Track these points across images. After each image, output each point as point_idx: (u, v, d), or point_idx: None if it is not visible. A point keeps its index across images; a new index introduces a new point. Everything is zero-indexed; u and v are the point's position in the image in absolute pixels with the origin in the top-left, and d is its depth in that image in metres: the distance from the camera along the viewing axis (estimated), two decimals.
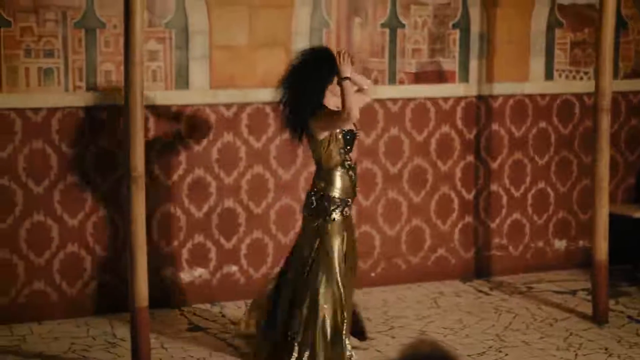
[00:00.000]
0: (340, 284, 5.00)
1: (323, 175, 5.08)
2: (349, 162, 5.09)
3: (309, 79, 5.00)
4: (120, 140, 5.82)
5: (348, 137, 5.09)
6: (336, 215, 5.02)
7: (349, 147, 5.10)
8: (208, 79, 6.23)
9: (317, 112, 5.00)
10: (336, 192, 5.04)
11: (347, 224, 5.09)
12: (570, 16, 7.16)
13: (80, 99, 5.95)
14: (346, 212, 5.07)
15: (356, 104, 4.95)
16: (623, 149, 7.46)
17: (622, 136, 7.44)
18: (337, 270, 5.01)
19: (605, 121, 6.00)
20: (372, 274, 6.77)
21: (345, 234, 5.06)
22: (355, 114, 4.89)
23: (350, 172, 5.10)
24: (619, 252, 6.64)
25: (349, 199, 5.09)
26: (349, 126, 5.06)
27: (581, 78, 7.24)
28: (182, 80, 6.18)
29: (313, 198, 5.07)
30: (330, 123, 4.99)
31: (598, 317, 6.11)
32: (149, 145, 6.08)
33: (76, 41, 5.91)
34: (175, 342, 5.69)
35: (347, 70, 4.92)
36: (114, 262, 6.13)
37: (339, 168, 5.07)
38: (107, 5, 5.94)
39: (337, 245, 5.03)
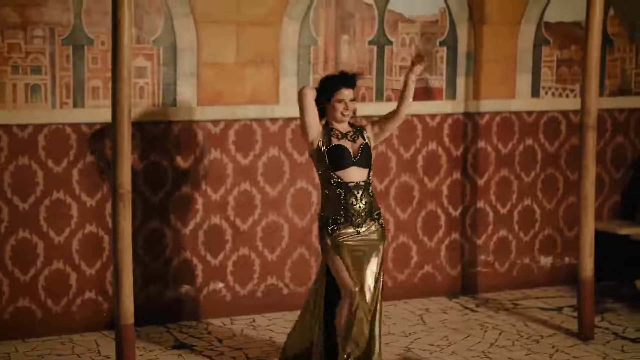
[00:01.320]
0: (320, 309, 5.12)
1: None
2: (338, 180, 5.00)
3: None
4: (108, 156, 5.81)
5: (333, 152, 5.02)
6: (326, 234, 5.02)
7: (337, 164, 5.00)
8: (195, 95, 6.24)
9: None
10: (325, 211, 5.04)
11: (346, 243, 5.01)
12: (556, 34, 7.20)
13: (68, 115, 5.94)
14: (334, 230, 5.00)
15: (306, 114, 5.00)
16: (609, 166, 7.49)
17: (608, 153, 7.47)
18: (322, 294, 5.11)
19: (591, 138, 6.03)
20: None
21: (342, 254, 5.00)
22: (307, 91, 4.99)
23: (340, 190, 5.00)
24: (605, 268, 6.66)
25: (340, 217, 5.00)
26: (336, 141, 5.02)
27: (567, 95, 7.28)
28: (170, 97, 6.18)
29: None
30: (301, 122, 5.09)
31: (584, 334, 6.12)
32: (136, 162, 6.09)
33: (64, 58, 5.91)
34: (161, 359, 5.68)
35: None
36: (100, 279, 6.11)
37: (327, 186, 5.04)
38: (95, 22, 5.95)
39: (329, 266, 5.05)
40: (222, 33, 6.27)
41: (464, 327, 6.35)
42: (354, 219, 4.99)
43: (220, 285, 6.45)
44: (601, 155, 7.25)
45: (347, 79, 5.07)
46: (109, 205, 5.81)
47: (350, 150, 5.03)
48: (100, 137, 5.99)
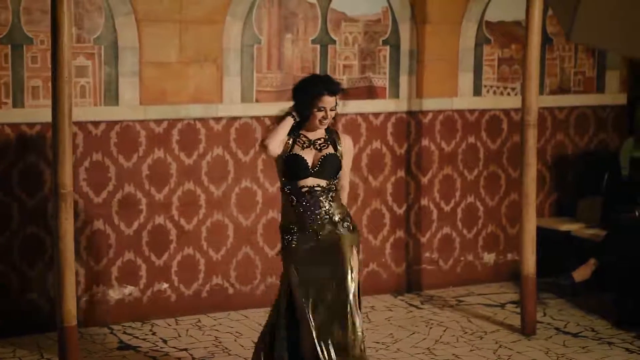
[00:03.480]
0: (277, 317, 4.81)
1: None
2: (291, 188, 4.72)
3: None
4: (48, 157, 5.74)
5: (289, 162, 4.73)
6: (281, 244, 4.82)
7: (292, 174, 4.72)
8: (138, 95, 6.19)
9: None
10: (283, 220, 4.83)
11: (299, 254, 4.74)
12: (497, 33, 7.29)
13: (7, 115, 5.86)
14: (289, 240, 4.74)
15: (276, 137, 4.64)
16: (550, 164, 7.60)
17: (549, 151, 7.58)
18: (282, 306, 4.81)
19: (532, 136, 6.11)
20: None
21: (295, 264, 4.73)
22: (269, 146, 4.62)
23: (291, 197, 4.72)
24: (547, 264, 6.75)
25: (295, 227, 4.73)
26: (298, 150, 4.74)
27: (508, 94, 7.37)
28: (112, 96, 6.13)
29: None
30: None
31: (526, 329, 6.20)
32: (78, 162, 6.02)
33: (2, 57, 5.82)
34: None
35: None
36: (42, 281, 6.03)
37: (282, 194, 4.82)
38: (34, 20, 5.87)
39: (285, 276, 4.81)
40: (165, 32, 6.23)
41: (409, 325, 6.40)
42: (307, 224, 4.71)
43: (165, 285, 6.41)
44: (542, 152, 7.35)
45: (330, 85, 4.72)
46: (50, 206, 5.74)
47: (309, 161, 4.73)
48: (41, 137, 5.92)
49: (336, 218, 4.74)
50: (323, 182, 4.72)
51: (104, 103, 6.11)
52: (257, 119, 6.57)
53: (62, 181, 4.98)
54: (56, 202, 5.02)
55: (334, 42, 6.76)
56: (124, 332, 6.12)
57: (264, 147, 4.66)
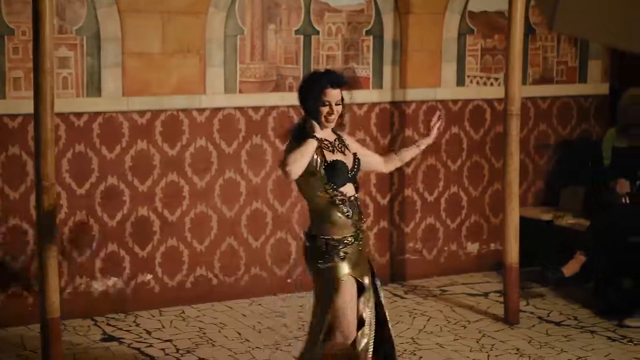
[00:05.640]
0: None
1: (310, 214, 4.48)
2: (340, 197, 4.35)
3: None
4: (31, 148, 5.71)
5: (335, 168, 4.32)
6: (332, 259, 4.35)
7: (335, 182, 4.33)
8: (121, 86, 6.17)
9: (290, 142, 4.36)
10: (324, 232, 4.37)
11: (353, 263, 4.38)
12: (480, 23, 7.30)
13: None
14: (344, 253, 4.36)
15: (300, 162, 4.19)
16: (532, 154, 7.63)
17: (532, 140, 7.61)
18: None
19: (514, 126, 6.13)
20: (289, 280, 6.79)
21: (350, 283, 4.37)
22: (291, 173, 4.17)
23: (343, 208, 4.35)
24: (530, 254, 6.78)
25: (347, 237, 4.37)
26: (331, 155, 4.34)
27: (491, 84, 7.39)
28: (94, 87, 6.10)
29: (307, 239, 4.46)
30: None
31: (509, 319, 6.23)
32: (61, 153, 6.00)
33: None
34: (88, 353, 5.61)
35: (317, 129, 4.28)
36: (25, 273, 6.01)
37: (319, 204, 4.37)
38: (15, 11, 5.83)
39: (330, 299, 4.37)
40: (147, 22, 6.21)
41: (393, 314, 6.39)
42: (359, 234, 4.41)
43: (149, 276, 6.40)
44: (525, 142, 7.38)
45: (333, 77, 4.35)
46: (33, 198, 5.72)
47: (348, 165, 4.39)
48: (23, 128, 5.89)
49: (361, 236, 4.46)
50: (353, 187, 4.41)
51: (86, 94, 6.09)
52: (241, 109, 6.56)
53: (45, 173, 4.96)
54: (39, 194, 5.00)
55: (318, 32, 6.75)
56: (108, 324, 6.11)
57: (285, 173, 4.20)
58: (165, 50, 6.28)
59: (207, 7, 6.35)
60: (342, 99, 4.35)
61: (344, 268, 4.33)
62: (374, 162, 4.67)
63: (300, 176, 4.24)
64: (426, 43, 7.09)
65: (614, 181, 6.48)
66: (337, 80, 4.35)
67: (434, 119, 4.65)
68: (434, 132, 4.64)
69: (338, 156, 4.36)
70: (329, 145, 4.36)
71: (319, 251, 4.35)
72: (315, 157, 4.27)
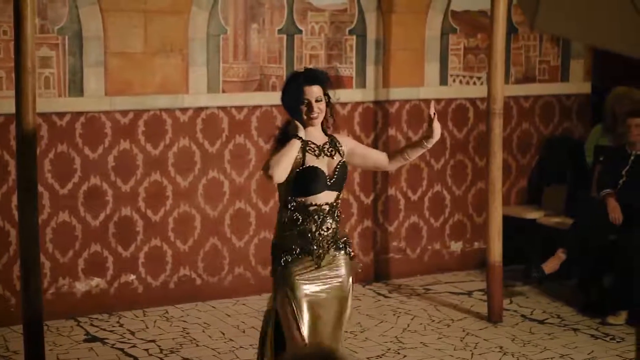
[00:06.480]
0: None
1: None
2: (297, 205, 4.14)
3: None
4: (13, 148, 5.68)
5: (305, 175, 4.13)
6: (278, 268, 4.20)
7: (306, 189, 4.13)
8: (103, 85, 6.15)
9: (273, 145, 4.23)
10: (279, 239, 4.23)
11: (303, 285, 4.15)
12: (463, 22, 7.32)
13: None
14: (287, 263, 4.17)
15: (283, 164, 4.04)
16: (515, 152, 7.65)
17: (514, 139, 7.63)
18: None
19: (497, 125, 6.15)
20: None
21: (297, 297, 4.15)
22: (274, 176, 4.02)
23: (297, 215, 4.14)
24: (513, 252, 6.80)
25: (296, 247, 4.16)
26: (312, 160, 4.15)
27: (474, 83, 7.40)
28: (76, 87, 6.08)
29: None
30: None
31: (493, 317, 6.25)
32: (43, 153, 5.97)
33: None
34: (72, 354, 5.59)
35: (301, 131, 4.13)
36: (7, 273, 5.98)
37: (283, 212, 4.21)
38: None
39: (277, 309, 4.24)
40: (130, 22, 6.19)
41: (377, 313, 6.42)
42: (313, 248, 4.15)
43: (132, 276, 6.39)
44: (507, 141, 7.40)
45: (309, 74, 4.22)
46: (15, 198, 5.69)
47: (326, 172, 4.17)
48: (5, 128, 5.86)
49: (341, 244, 4.22)
50: (334, 196, 4.18)
51: (68, 94, 6.06)
52: (224, 109, 6.55)
53: (27, 173, 4.92)
54: (21, 195, 4.97)
55: (301, 32, 6.75)
56: (91, 324, 6.08)
57: (268, 177, 4.04)
58: (147, 49, 6.26)
59: (190, 6, 6.34)
60: (328, 98, 4.21)
61: (301, 280, 4.12)
62: (376, 160, 4.39)
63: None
64: (409, 42, 7.10)
65: (605, 194, 6.43)
66: (313, 76, 4.20)
67: (431, 112, 4.24)
68: (437, 129, 4.23)
69: (322, 161, 4.16)
70: (315, 148, 4.18)
71: (279, 258, 4.17)
72: (299, 156, 4.12)
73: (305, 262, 4.15)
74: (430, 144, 4.28)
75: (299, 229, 4.15)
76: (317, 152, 4.18)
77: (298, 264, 4.14)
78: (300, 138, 4.11)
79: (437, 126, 4.23)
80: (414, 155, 4.38)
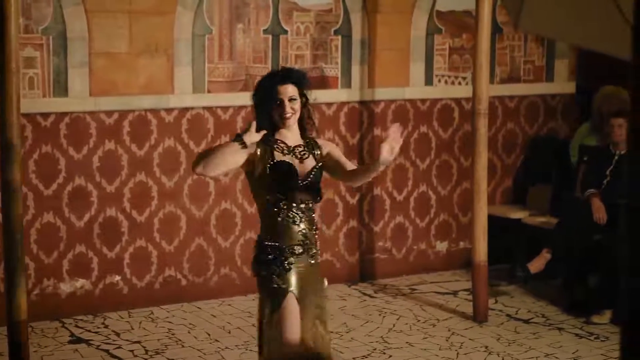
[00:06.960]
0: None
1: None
2: (284, 202, 4.02)
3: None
4: None
5: (280, 169, 4.00)
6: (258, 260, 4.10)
7: (283, 183, 4.00)
8: (88, 86, 6.12)
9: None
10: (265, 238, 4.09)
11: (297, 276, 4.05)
12: (448, 23, 7.33)
13: None
14: (289, 265, 4.05)
15: (211, 160, 3.89)
16: (500, 152, 7.67)
17: (500, 139, 7.65)
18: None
19: (482, 125, 6.16)
20: None
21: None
22: (201, 170, 3.91)
23: (288, 213, 4.02)
24: (498, 252, 6.82)
25: (294, 247, 4.05)
26: (281, 156, 4.02)
27: (459, 83, 7.42)
28: (61, 87, 6.06)
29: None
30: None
31: (478, 316, 6.27)
32: (27, 154, 5.95)
33: None
34: (56, 356, 5.57)
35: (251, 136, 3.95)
36: None
37: (265, 209, 4.08)
38: None
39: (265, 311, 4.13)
40: (115, 22, 6.17)
41: (363, 314, 6.42)
42: (284, 250, 4.04)
43: (117, 277, 6.37)
44: (493, 141, 7.42)
45: (282, 73, 4.09)
46: None
47: (299, 171, 4.03)
48: None
49: (313, 250, 4.13)
50: (307, 198, 4.04)
51: (53, 94, 6.04)
52: (209, 109, 6.54)
53: (11, 174, 4.91)
54: (5, 195, 4.95)
55: (286, 32, 6.74)
56: (76, 326, 6.06)
57: (193, 170, 3.98)
58: (132, 50, 6.25)
59: (175, 7, 6.33)
60: (306, 98, 4.08)
61: (287, 281, 4.02)
62: (344, 171, 4.17)
63: (247, 178, 4.08)
64: (394, 42, 7.11)
65: (590, 194, 6.45)
66: (287, 75, 4.05)
67: (390, 131, 3.98)
68: (385, 151, 3.89)
69: (292, 161, 4.03)
70: (284, 148, 4.03)
71: (262, 258, 4.06)
72: (257, 153, 3.97)
73: (299, 260, 4.05)
74: (377, 166, 3.98)
75: (296, 226, 4.03)
76: (285, 151, 4.04)
77: (293, 264, 4.04)
78: (240, 138, 3.91)
79: (386, 148, 3.87)
80: (365, 176, 4.16)
